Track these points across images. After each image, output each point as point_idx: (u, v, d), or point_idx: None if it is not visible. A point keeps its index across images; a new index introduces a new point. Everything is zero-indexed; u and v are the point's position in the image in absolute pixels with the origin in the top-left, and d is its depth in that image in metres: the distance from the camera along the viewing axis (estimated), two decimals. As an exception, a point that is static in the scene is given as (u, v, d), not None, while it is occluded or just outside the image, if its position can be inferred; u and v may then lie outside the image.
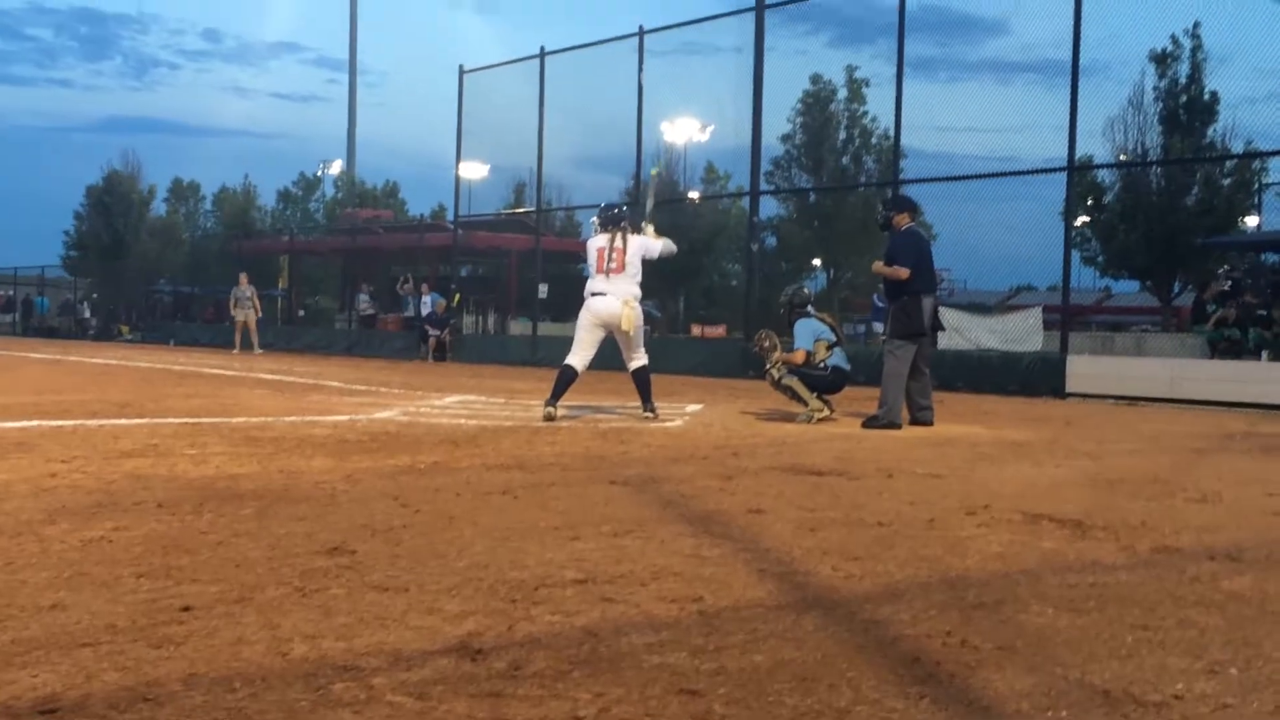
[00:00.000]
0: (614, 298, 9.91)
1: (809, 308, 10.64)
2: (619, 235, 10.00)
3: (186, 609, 3.14)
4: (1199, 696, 2.64)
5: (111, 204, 55.96)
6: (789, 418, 10.16)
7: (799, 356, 10.21)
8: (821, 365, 10.23)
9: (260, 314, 30.13)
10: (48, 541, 4.00)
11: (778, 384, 10.30)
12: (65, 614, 3.07)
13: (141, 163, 59.10)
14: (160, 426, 8.28)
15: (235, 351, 27.55)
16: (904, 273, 9.90)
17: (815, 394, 10.16)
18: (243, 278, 29.47)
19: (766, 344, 10.58)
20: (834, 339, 10.34)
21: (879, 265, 10.33)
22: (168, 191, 65.61)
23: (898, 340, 9.97)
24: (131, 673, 2.59)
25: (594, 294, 10.00)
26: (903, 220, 10.32)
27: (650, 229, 10.30)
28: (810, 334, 10.30)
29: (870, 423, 9.63)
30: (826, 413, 10.12)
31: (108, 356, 24.08)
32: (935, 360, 11.40)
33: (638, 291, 10.04)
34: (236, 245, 43.28)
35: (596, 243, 10.09)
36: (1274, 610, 3.50)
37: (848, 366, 10.41)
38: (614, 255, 9.95)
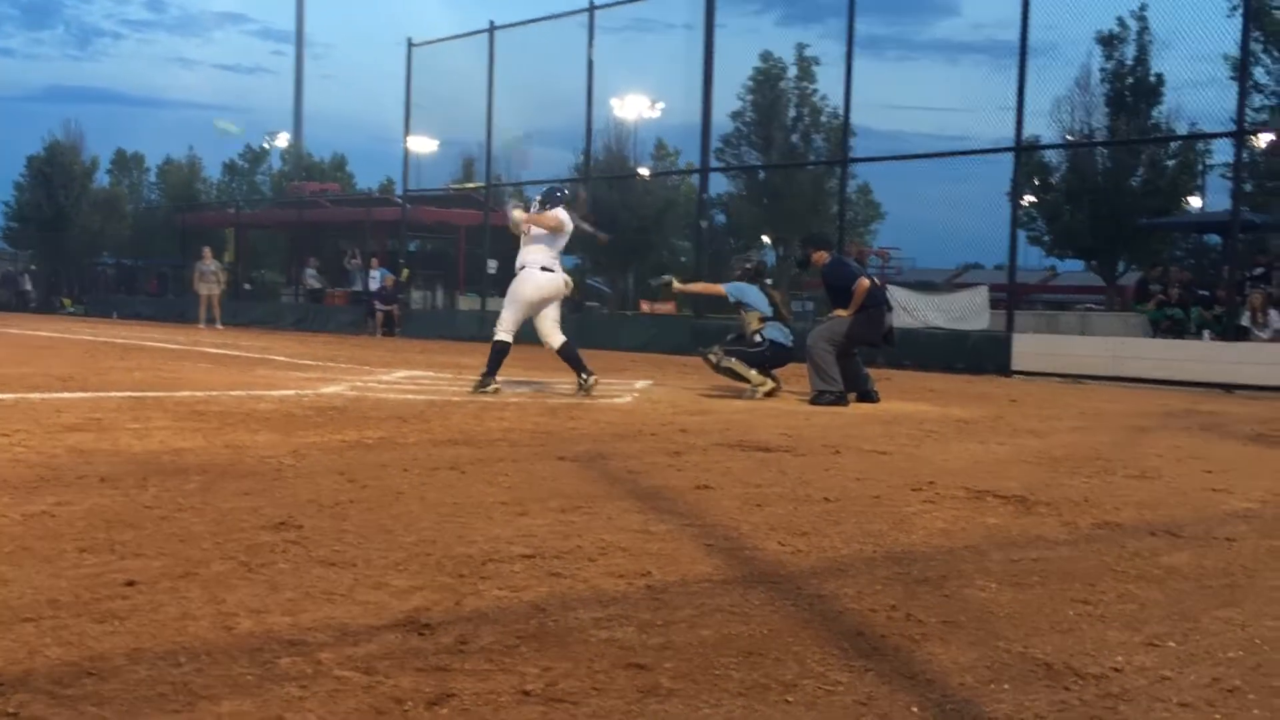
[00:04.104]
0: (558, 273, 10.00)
1: (766, 280, 10.78)
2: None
3: (130, 584, 3.11)
4: (1138, 669, 2.69)
5: (53, 175, 54.95)
6: (738, 394, 10.20)
7: (754, 319, 10.25)
8: (756, 338, 10.27)
9: (224, 287, 29.70)
10: (-12, 516, 3.95)
11: (717, 368, 10.34)
12: (7, 589, 3.03)
13: (84, 133, 58.01)
14: (103, 400, 8.18)
15: (201, 327, 27.19)
16: (865, 283, 10.09)
17: (755, 369, 10.21)
18: (206, 252, 29.11)
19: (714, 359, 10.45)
20: (769, 315, 10.37)
21: (843, 315, 10.20)
22: (111, 163, 64.57)
23: (841, 339, 9.99)
24: (75, 647, 2.56)
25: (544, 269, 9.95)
26: (821, 257, 10.55)
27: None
28: (757, 298, 10.35)
29: (818, 399, 9.70)
30: (771, 385, 10.17)
31: (49, 330, 23.74)
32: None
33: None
34: (181, 218, 42.71)
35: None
36: (1211, 585, 3.57)
37: (788, 342, 10.43)
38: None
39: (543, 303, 9.93)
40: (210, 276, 28.56)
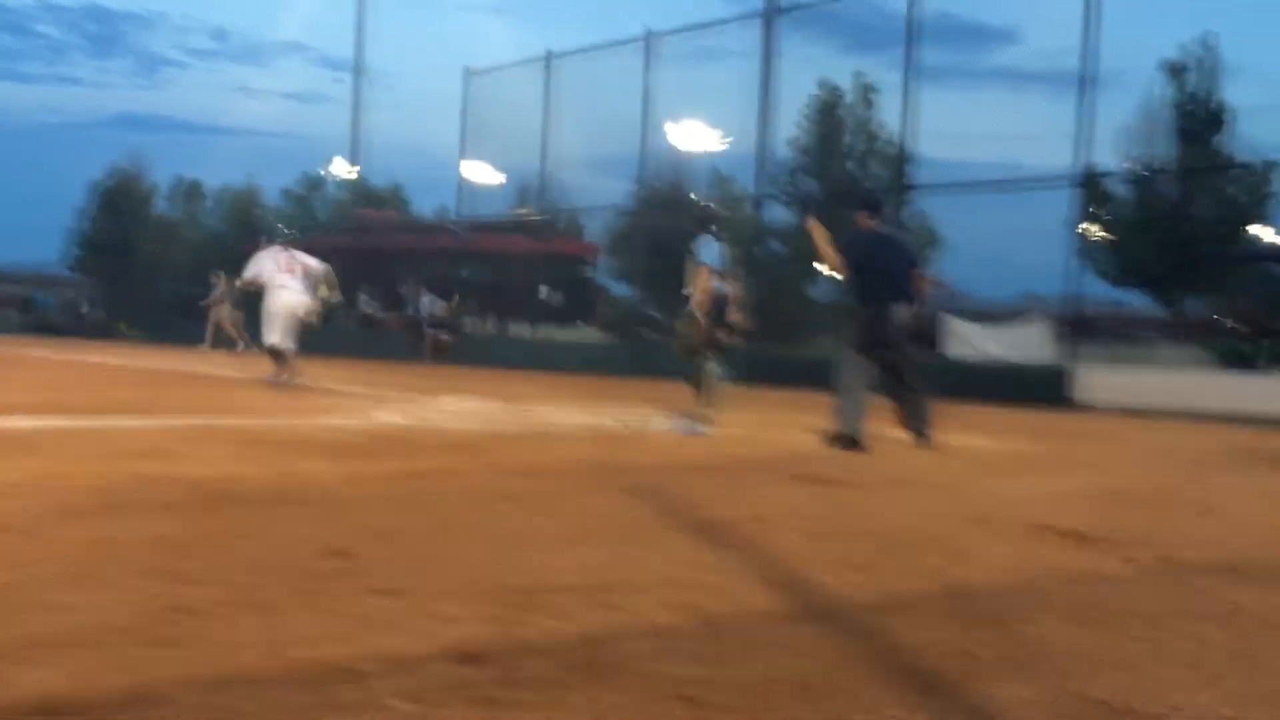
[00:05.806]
0: (292, 292, 13.24)
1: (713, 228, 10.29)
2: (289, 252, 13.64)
3: (188, 610, 3.14)
4: (1199, 708, 2.63)
5: (119, 202, 55.90)
6: (792, 425, 10.15)
7: (703, 274, 9.98)
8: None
9: (234, 309, 28.59)
10: (52, 541, 4.00)
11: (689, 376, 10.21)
12: (69, 614, 3.06)
13: (149, 161, 58.97)
14: (164, 427, 8.29)
15: (239, 349, 27.26)
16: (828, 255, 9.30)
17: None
18: (214, 276, 28.56)
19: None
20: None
21: (830, 259, 9.38)
22: (172, 190, 65.58)
23: (848, 352, 8.85)
24: (131, 673, 2.59)
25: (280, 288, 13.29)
26: (862, 219, 9.41)
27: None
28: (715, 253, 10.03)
29: (829, 441, 8.42)
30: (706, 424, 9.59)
31: (111, 356, 24.09)
32: (941, 370, 11.19)
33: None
34: (243, 245, 43.24)
35: (272, 254, 13.58)
36: (1276, 623, 3.50)
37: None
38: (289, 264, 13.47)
39: (287, 314, 13.14)
40: (221, 299, 28.17)
